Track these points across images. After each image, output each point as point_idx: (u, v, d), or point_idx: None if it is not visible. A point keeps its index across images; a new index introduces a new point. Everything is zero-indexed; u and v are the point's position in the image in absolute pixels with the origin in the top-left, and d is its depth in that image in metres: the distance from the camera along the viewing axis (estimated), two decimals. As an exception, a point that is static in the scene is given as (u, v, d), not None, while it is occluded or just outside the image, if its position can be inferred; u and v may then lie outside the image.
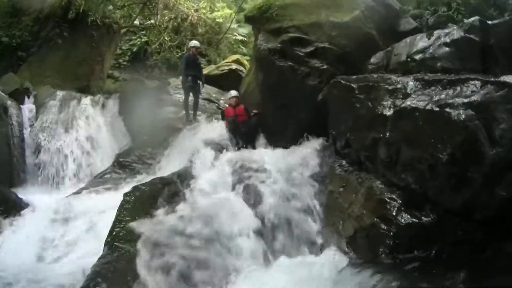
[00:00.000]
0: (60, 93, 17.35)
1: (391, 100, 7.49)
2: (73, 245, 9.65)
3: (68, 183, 14.67)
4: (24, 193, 12.85)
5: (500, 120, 5.65)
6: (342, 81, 9.15)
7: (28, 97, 16.97)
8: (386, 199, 7.00)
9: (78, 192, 12.35)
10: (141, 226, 8.13)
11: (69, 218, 10.57)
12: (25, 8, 20.18)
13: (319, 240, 8.02)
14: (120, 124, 16.39)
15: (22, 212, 11.22)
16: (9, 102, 15.33)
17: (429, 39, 8.19)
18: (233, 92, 13.34)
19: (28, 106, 16.32)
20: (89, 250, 8.73)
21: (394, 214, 6.73)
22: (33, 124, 15.70)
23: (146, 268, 7.21)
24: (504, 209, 5.59)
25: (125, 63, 26.37)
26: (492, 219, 5.78)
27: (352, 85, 8.66)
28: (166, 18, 24.36)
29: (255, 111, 12.45)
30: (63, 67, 19.81)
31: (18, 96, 16.60)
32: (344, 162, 8.86)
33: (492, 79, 6.08)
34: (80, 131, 16.00)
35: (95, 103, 17.26)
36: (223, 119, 13.29)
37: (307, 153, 10.08)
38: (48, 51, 19.78)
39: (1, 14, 20.21)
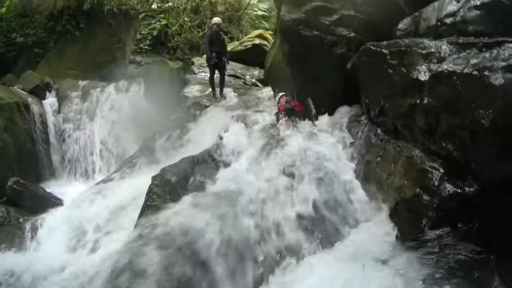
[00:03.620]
0: (82, 83, 17.49)
1: (426, 64, 7.14)
2: (104, 234, 9.58)
3: (98, 172, 14.81)
4: (53, 187, 13.02)
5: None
6: (372, 47, 8.78)
7: (50, 91, 17.20)
8: (428, 168, 6.69)
9: (107, 180, 12.38)
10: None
11: (97, 209, 10.48)
12: (36, 6, 20.33)
13: (361, 215, 7.68)
14: (145, 108, 16.27)
15: (52, 206, 11.29)
16: (30, 99, 15.53)
17: (458, 2, 7.74)
18: (279, 93, 11.91)
19: (50, 101, 16.62)
20: (120, 238, 8.53)
21: (436, 184, 6.43)
22: (57, 117, 15.75)
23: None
24: None
25: (146, 47, 26.44)
26: None
27: (383, 51, 8.30)
28: (184, -1, 24.25)
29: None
30: (83, 58, 20.05)
31: (39, 92, 16.83)
32: (379, 130, 8.56)
33: (530, 43, 5.70)
34: (105, 118, 16.11)
35: (119, 89, 17.20)
36: (278, 120, 11.53)
37: (341, 123, 9.93)
38: (65, 45, 20.06)
39: (13, 15, 20.36)
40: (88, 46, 20.34)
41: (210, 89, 15.36)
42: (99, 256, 8.49)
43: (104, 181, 12.36)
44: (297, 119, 10.76)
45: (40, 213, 10.91)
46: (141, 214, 8.47)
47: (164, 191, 8.95)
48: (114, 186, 11.65)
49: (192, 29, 25.27)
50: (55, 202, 11.71)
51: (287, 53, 11.43)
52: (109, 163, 15.22)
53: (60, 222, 10.38)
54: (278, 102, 11.65)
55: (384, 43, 8.61)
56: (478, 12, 7.19)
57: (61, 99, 16.68)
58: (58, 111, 16.17)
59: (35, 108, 15.38)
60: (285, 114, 11.00)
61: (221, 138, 10.90)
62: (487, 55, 6.13)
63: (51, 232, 10.17)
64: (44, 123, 15.53)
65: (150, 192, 8.92)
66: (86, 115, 16.08)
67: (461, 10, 7.56)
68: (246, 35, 24.80)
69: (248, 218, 7.47)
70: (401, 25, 9.33)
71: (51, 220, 10.57)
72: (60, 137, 15.57)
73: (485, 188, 5.97)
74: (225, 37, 19.14)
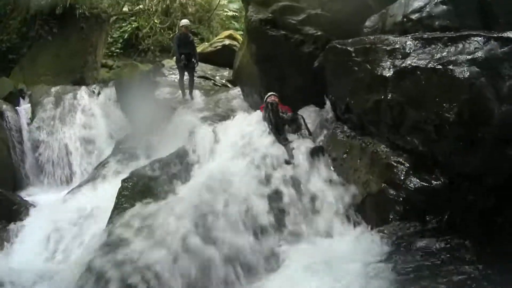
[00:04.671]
0: (54, 89, 17.31)
1: (390, 60, 7.10)
2: (78, 240, 9.46)
3: (73, 177, 14.75)
4: (29, 195, 12.89)
5: (507, 77, 5.29)
6: (337, 45, 8.76)
7: (23, 98, 16.96)
8: (393, 163, 6.71)
9: (81, 185, 12.24)
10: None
11: (72, 214, 10.30)
12: (10, 11, 20.14)
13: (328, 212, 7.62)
14: (117, 111, 16.22)
15: (27, 214, 11.02)
16: (4, 106, 15.32)
17: (424, -3, 7.76)
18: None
19: (24, 107, 16.32)
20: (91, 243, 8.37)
21: (402, 178, 6.45)
22: (31, 124, 15.56)
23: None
24: None
25: (117, 50, 26.37)
26: (504, 184, 5.48)
27: (348, 48, 8.30)
28: (154, 1, 24.22)
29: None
30: (56, 63, 19.92)
31: (13, 99, 16.61)
32: (345, 127, 8.56)
33: (496, 35, 5.67)
34: (78, 123, 15.99)
35: (91, 93, 17.17)
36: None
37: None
38: (39, 50, 19.91)
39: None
40: (60, 51, 20.20)
41: (180, 91, 15.28)
42: (71, 262, 8.39)
43: (78, 187, 12.23)
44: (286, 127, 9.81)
45: (17, 220, 10.65)
46: (111, 217, 8.43)
47: (133, 193, 8.89)
48: (87, 191, 11.51)
49: (162, 31, 25.23)
50: (31, 209, 11.47)
51: (254, 53, 11.41)
52: (83, 168, 15.06)
53: (35, 229, 10.20)
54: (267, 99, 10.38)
55: (350, 40, 8.58)
56: (444, 7, 7.16)
57: (35, 105, 16.49)
58: (32, 118, 15.93)
59: (9, 115, 15.18)
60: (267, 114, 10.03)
61: (190, 140, 10.77)
62: (452, 49, 6.09)
63: (27, 239, 10.01)
64: (19, 131, 15.28)
65: (119, 195, 8.89)
66: (59, 120, 15.90)
67: (427, 5, 7.52)
68: (216, 36, 24.73)
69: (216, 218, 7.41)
70: (368, 22, 9.29)
71: (26, 227, 10.39)
72: (34, 144, 15.30)
73: (453, 181, 5.97)
74: (195, 38, 19.12)
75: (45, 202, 11.91)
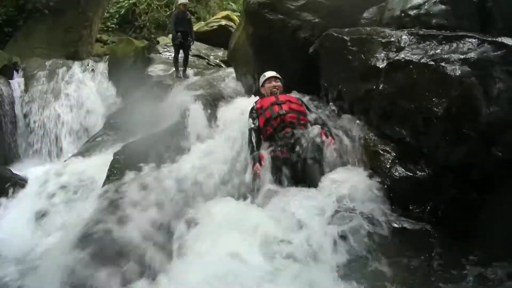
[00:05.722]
0: (48, 63, 17.33)
1: (385, 52, 7.24)
2: (69, 213, 9.55)
3: (64, 151, 14.75)
4: (20, 169, 12.89)
5: (497, 79, 5.43)
6: (334, 33, 8.81)
7: (17, 71, 16.91)
8: (380, 151, 6.81)
9: (71, 159, 12.35)
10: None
11: (62, 188, 10.48)
12: None
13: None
14: (110, 86, 16.23)
15: (19, 188, 11.15)
16: None
17: (424, -6, 7.84)
18: (269, 73, 9.15)
19: (18, 81, 16.37)
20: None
21: (388, 166, 6.56)
22: (24, 97, 15.62)
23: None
24: (501, 171, 5.47)
25: (113, 26, 26.29)
26: (488, 179, 5.64)
27: (344, 37, 8.36)
28: (153, -22, 24.05)
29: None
30: (51, 37, 19.91)
31: (7, 72, 16.60)
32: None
33: (490, 39, 5.80)
34: (71, 97, 16.08)
35: (84, 68, 17.23)
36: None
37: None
38: (35, 23, 19.90)
39: (-18, -7, 19.78)
40: (57, 24, 20.17)
41: (174, 69, 15.30)
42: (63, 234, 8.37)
43: (68, 160, 12.30)
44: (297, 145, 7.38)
45: (6, 194, 10.79)
46: (103, 187, 8.50)
47: (125, 166, 8.96)
48: (78, 165, 11.55)
49: (159, 8, 25.15)
50: (22, 183, 11.51)
51: (251, 35, 11.40)
52: (75, 142, 15.12)
53: (24, 203, 10.37)
54: (262, 87, 8.98)
55: (346, 30, 8.65)
56: (443, 6, 7.23)
57: (28, 79, 16.55)
58: (25, 91, 16.01)
59: (2, 88, 15.27)
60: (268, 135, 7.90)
61: (181, 117, 10.86)
62: (446, 47, 6.23)
63: (17, 213, 10.13)
64: (11, 104, 15.38)
65: (111, 167, 9.02)
66: (52, 94, 15.96)
67: (426, 3, 7.59)
68: (213, 16, 24.66)
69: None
70: (366, 14, 9.40)
71: (16, 201, 10.56)
72: (26, 118, 15.42)
73: (438, 172, 6.09)
74: (192, 17, 19.10)
75: (36, 176, 11.92)
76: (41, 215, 9.78)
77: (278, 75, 8.96)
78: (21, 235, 9.24)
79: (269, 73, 8.99)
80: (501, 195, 5.49)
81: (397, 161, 6.57)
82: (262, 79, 9.07)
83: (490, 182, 5.62)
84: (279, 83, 8.81)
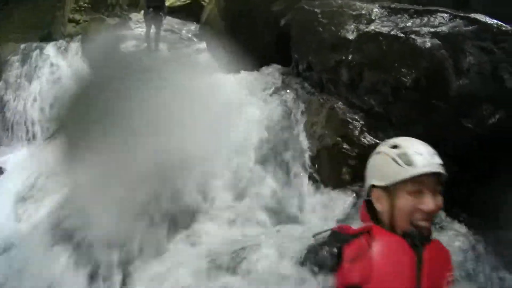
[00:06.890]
0: (22, 46, 17.11)
1: (355, 24, 7.30)
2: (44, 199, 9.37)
3: (39, 135, 14.54)
4: None
5: (468, 53, 5.46)
6: (305, 6, 8.86)
7: None
8: (348, 119, 6.82)
9: (46, 142, 12.31)
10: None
11: (40, 172, 10.12)
12: None
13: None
14: (84, 66, 16.07)
15: None
16: None
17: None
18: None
19: None
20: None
21: (356, 134, 6.59)
22: (-1, 84, 15.02)
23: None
24: (477, 149, 5.43)
25: (85, 5, 25.68)
26: (465, 156, 5.52)
27: (315, 10, 8.40)
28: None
29: None
30: (25, 21, 19.24)
31: None
32: (306, 84, 8.67)
33: (462, 14, 5.88)
34: (44, 80, 15.81)
35: (58, 49, 17.08)
36: None
37: (271, 77, 9.80)
38: (13, 7, 19.18)
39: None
40: (32, 8, 19.70)
41: (146, 44, 15.18)
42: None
43: (43, 143, 12.32)
44: None
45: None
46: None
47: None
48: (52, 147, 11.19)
49: (132, -15, 24.86)
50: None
51: (223, 8, 11.41)
52: (50, 125, 14.93)
53: (3, 188, 10.09)
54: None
55: (317, 2, 8.69)
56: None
57: (2, 64, 16.29)
58: (0, 78, 15.79)
59: (-23, 75, 14.77)
60: None
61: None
62: (417, 21, 6.30)
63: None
64: (-14, 91, 14.99)
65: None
66: (26, 78, 15.77)
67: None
68: (187, -10, 24.51)
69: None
70: (339, -13, 9.45)
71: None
72: (1, 104, 15.21)
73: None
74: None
75: (13, 161, 11.90)
76: (21, 202, 9.54)
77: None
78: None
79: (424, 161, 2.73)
80: (479, 173, 5.49)
81: (365, 129, 6.62)
82: (397, 170, 2.71)
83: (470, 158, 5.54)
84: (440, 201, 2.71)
